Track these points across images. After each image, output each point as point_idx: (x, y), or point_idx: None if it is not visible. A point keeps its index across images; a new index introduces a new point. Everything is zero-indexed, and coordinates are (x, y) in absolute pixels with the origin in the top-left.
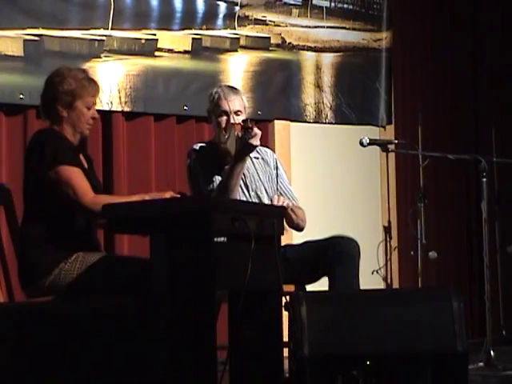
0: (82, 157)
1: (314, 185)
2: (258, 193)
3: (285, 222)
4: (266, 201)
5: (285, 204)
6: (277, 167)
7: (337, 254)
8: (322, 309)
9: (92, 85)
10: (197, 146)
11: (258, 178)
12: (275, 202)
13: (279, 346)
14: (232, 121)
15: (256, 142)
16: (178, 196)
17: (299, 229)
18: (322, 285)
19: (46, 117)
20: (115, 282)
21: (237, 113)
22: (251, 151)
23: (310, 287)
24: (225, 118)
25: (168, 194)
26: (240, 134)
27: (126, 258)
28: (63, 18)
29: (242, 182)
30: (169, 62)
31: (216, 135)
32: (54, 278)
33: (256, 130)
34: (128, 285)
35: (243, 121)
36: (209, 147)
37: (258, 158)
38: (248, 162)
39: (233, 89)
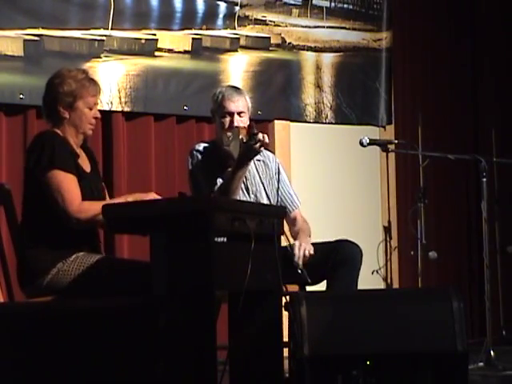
0: (85, 158)
1: (314, 185)
2: (258, 195)
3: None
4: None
5: (306, 253)
6: (278, 172)
7: (339, 258)
8: (322, 309)
9: (93, 85)
10: (199, 146)
11: (259, 181)
12: (296, 251)
13: (279, 346)
14: (236, 124)
15: (260, 147)
16: (160, 198)
17: None
18: (321, 285)
19: (48, 119)
20: (113, 285)
21: (240, 114)
22: (255, 156)
23: (309, 287)
24: (228, 118)
25: (151, 195)
26: (245, 139)
27: (124, 261)
28: (63, 18)
29: (242, 183)
30: (169, 62)
31: (219, 136)
32: (51, 277)
33: (260, 137)
34: (126, 288)
35: (249, 126)
36: (211, 148)
37: (259, 161)
38: (250, 164)
39: (237, 89)
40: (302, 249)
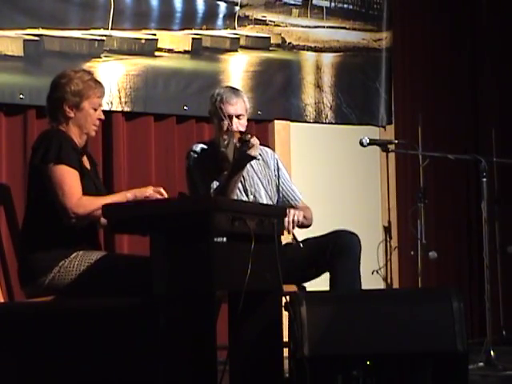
0: (86, 159)
1: (314, 185)
2: (257, 196)
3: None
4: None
5: (295, 218)
6: (278, 168)
7: (337, 247)
8: (322, 309)
9: (98, 86)
10: (196, 147)
11: (258, 181)
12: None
13: (279, 346)
14: (235, 126)
15: (254, 152)
16: (160, 189)
17: (306, 227)
18: (322, 285)
19: (52, 118)
20: (115, 281)
21: (239, 116)
22: (249, 162)
23: (310, 287)
24: (226, 121)
25: (150, 189)
26: (238, 145)
27: (125, 257)
28: (63, 18)
29: (240, 184)
30: (169, 62)
31: (217, 137)
32: (53, 276)
33: (253, 141)
34: (128, 283)
35: (241, 132)
36: (209, 149)
37: (258, 159)
38: (248, 164)
39: (235, 91)
40: (291, 215)
